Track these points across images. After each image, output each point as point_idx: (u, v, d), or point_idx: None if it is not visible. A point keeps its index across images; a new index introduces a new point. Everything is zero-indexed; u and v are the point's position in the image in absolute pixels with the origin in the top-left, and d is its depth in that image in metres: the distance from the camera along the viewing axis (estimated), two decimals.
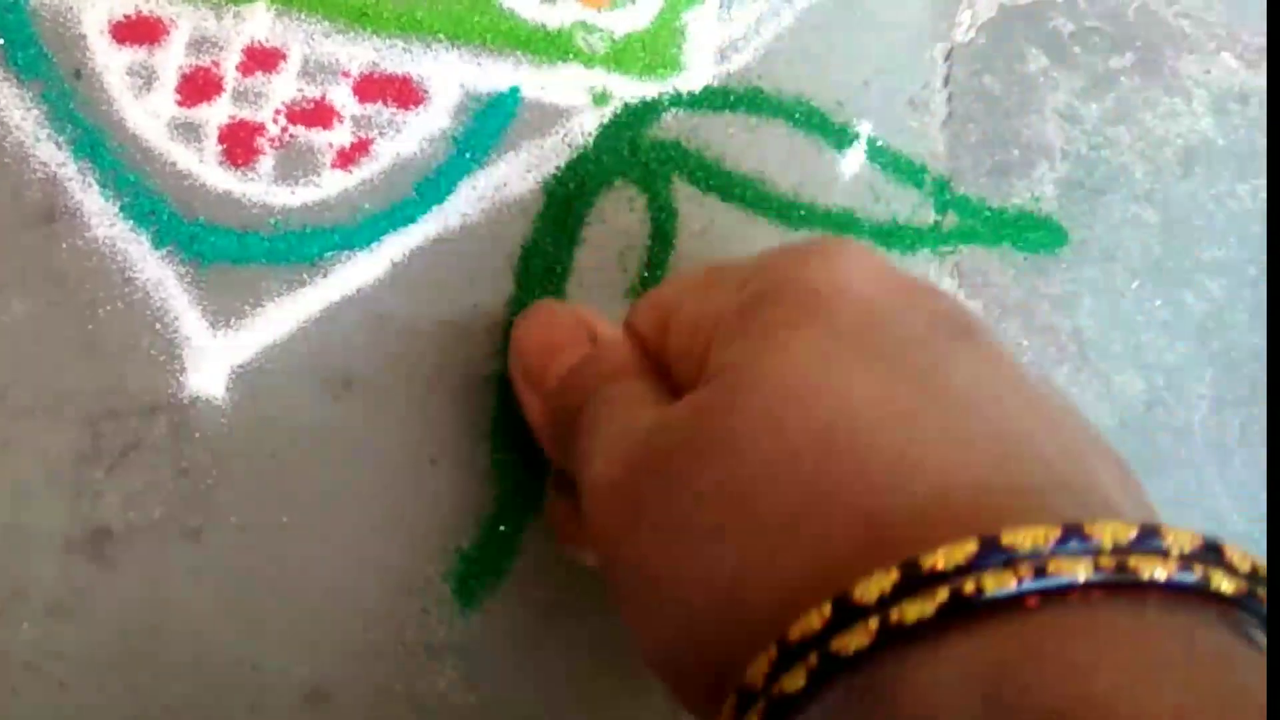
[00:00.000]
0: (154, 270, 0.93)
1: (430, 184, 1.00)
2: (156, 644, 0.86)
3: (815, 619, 0.30)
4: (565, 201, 1.01)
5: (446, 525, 0.93)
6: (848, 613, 0.30)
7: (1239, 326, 1.07)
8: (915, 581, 0.30)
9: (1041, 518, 0.30)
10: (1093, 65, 1.08)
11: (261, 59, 0.99)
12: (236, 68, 0.99)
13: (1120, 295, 1.07)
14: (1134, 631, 0.29)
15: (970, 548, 0.29)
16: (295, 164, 0.98)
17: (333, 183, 0.98)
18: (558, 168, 1.02)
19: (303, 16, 1.00)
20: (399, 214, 0.99)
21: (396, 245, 0.98)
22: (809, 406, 0.35)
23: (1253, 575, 0.30)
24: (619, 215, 1.01)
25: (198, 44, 0.98)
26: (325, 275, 0.96)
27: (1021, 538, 0.29)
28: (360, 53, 1.01)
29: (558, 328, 0.58)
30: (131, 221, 0.94)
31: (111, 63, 0.96)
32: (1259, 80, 1.10)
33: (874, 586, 0.30)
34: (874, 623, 0.30)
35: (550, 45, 1.04)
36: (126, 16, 0.97)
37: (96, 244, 0.93)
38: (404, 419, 0.94)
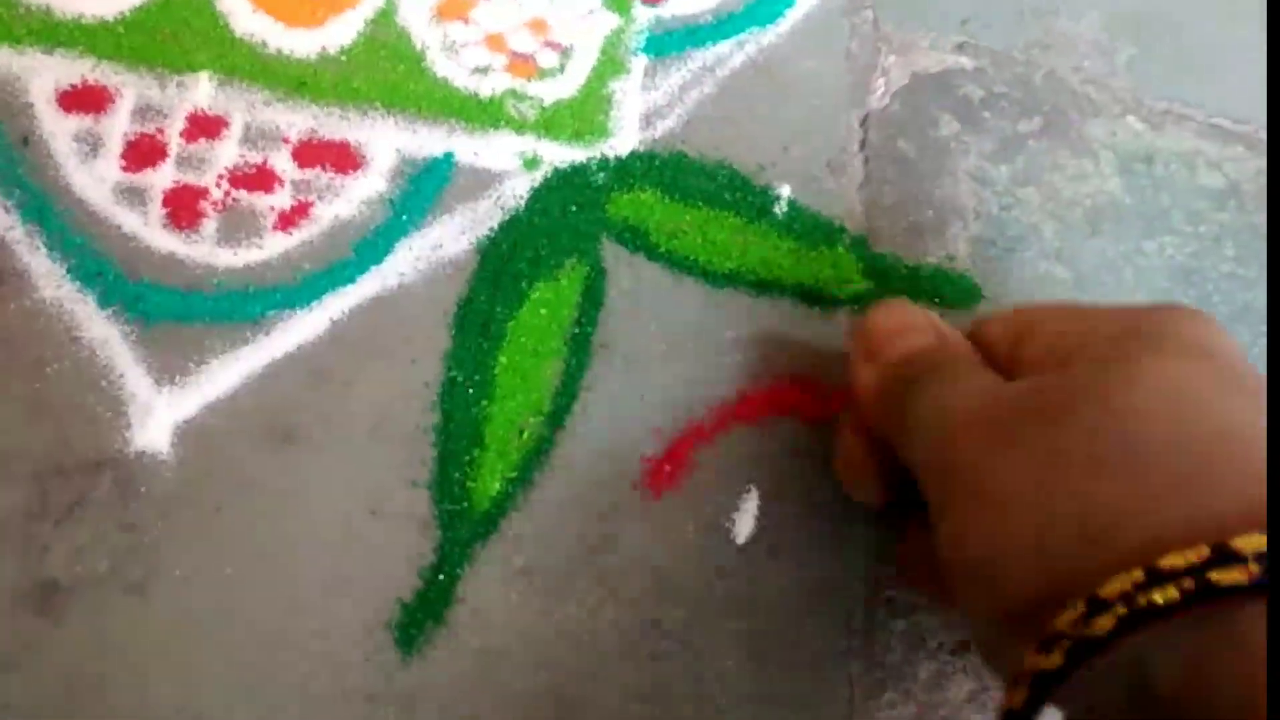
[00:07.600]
0: (100, 329, 0.96)
1: (368, 245, 1.03)
2: (101, 695, 0.88)
3: (1193, 555, 0.40)
4: (499, 261, 1.04)
5: (387, 575, 0.95)
6: (1224, 558, 0.41)
7: None
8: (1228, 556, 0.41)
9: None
10: (1002, 129, 1.12)
11: (204, 126, 1.02)
12: (180, 134, 1.02)
13: None
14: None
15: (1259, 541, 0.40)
16: (238, 226, 1.01)
17: (274, 244, 1.01)
18: (491, 229, 1.05)
19: (244, 86, 1.04)
20: (338, 274, 1.02)
21: (336, 304, 1.01)
22: (1205, 412, 0.48)
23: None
24: (551, 274, 1.05)
25: (142, 112, 1.01)
26: (267, 333, 0.99)
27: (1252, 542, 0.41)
28: (300, 120, 1.04)
29: (910, 317, 0.73)
30: (78, 282, 0.96)
31: (59, 129, 0.99)
32: (1163, 141, 1.14)
33: (1250, 543, 0.40)
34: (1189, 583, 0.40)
35: (482, 112, 1.08)
36: (73, 85, 1.00)
37: (44, 304, 0.95)
38: (344, 471, 0.97)
